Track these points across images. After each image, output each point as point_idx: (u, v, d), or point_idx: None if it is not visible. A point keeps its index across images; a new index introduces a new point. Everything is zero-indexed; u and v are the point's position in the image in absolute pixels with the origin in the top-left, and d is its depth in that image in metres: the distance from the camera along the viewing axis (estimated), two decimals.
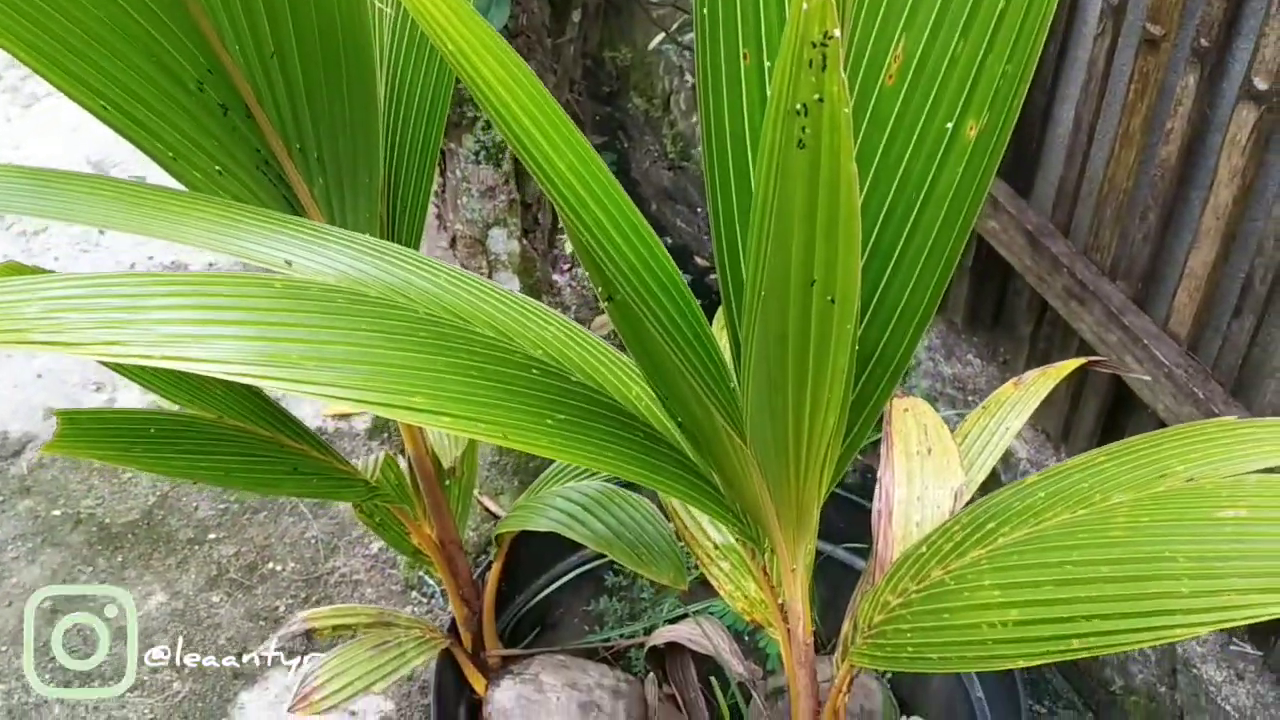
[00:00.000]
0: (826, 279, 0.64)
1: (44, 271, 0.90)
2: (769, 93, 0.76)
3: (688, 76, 2.68)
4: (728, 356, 0.80)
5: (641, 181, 2.90)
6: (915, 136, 0.73)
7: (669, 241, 2.83)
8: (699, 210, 2.77)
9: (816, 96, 0.55)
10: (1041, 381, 1.13)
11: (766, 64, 0.75)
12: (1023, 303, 1.94)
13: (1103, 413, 1.78)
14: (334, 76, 0.86)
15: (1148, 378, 1.53)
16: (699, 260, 2.73)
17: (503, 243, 1.87)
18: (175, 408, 1.04)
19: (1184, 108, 1.54)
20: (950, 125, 0.71)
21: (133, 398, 2.36)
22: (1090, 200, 1.74)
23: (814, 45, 0.53)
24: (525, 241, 1.92)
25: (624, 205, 0.69)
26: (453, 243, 1.90)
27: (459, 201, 1.83)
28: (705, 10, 0.76)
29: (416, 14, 0.61)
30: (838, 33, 0.52)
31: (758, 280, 0.67)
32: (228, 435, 0.99)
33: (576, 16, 1.81)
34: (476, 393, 0.74)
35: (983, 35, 0.69)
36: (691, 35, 2.65)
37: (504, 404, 0.74)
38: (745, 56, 0.74)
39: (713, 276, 2.75)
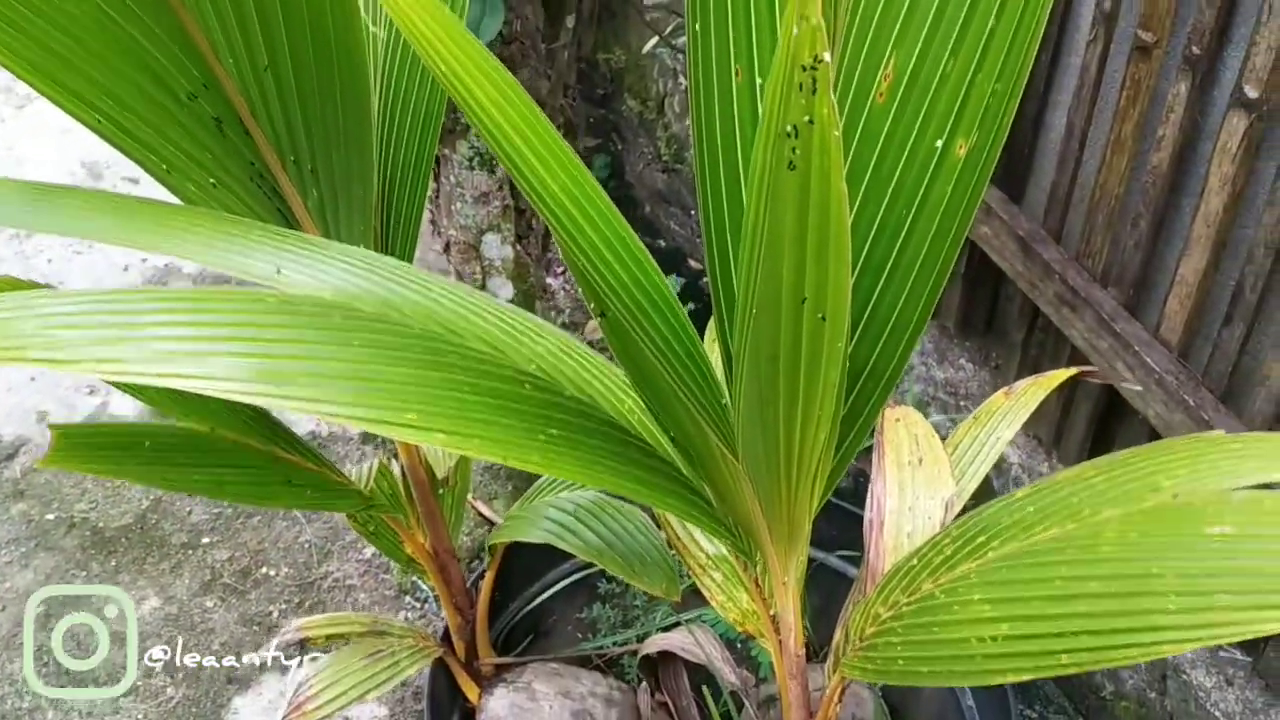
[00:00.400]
0: (817, 297, 0.64)
1: (40, 286, 0.91)
2: (760, 111, 0.77)
3: (682, 79, 2.69)
4: (719, 372, 0.80)
5: (636, 184, 2.91)
6: (906, 154, 0.73)
7: (663, 244, 2.83)
8: (693, 213, 2.77)
9: (807, 119, 0.55)
10: (1032, 392, 1.14)
11: (758, 81, 0.76)
12: (1015, 308, 1.95)
13: (1094, 419, 1.79)
14: (328, 90, 0.86)
15: (1139, 388, 1.53)
16: (693, 263, 2.74)
17: (497, 248, 1.88)
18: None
19: (1175, 115, 1.54)
20: (940, 143, 0.72)
21: (126, 402, 2.36)
22: (1082, 206, 1.75)
23: (804, 69, 0.53)
24: (519, 247, 1.93)
25: (617, 225, 0.69)
26: (446, 248, 1.90)
27: (453, 207, 1.84)
28: (698, 27, 0.76)
29: (410, 36, 0.61)
30: (827, 56, 0.52)
31: (749, 298, 0.67)
32: (221, 447, 0.99)
33: (570, 21, 1.82)
34: (470, 409, 0.74)
35: (972, 54, 0.69)
36: (685, 39, 2.65)
37: (498, 420, 0.75)
38: (737, 73, 0.75)
39: (706, 280, 2.75)
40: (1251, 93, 1.40)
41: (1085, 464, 0.87)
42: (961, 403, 2.03)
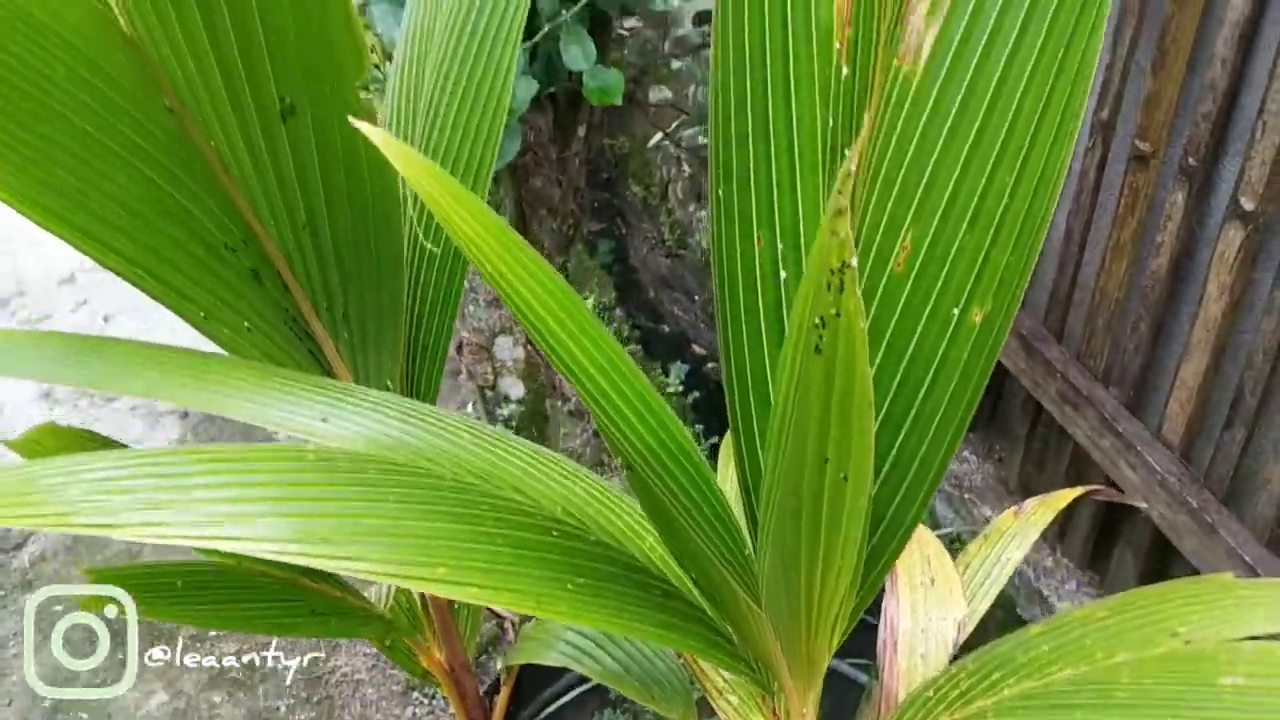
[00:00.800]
0: (839, 459, 0.66)
1: (80, 433, 0.93)
2: (779, 274, 0.80)
3: (685, 166, 2.74)
4: (742, 521, 0.82)
5: (640, 268, 2.95)
6: (924, 320, 0.76)
7: (666, 329, 2.86)
8: (696, 298, 2.81)
9: (834, 312, 0.58)
10: (1041, 513, 1.16)
11: (779, 245, 0.79)
12: (1017, 404, 1.97)
13: (1098, 516, 1.81)
14: (362, 242, 0.90)
15: (1144, 504, 1.55)
16: (696, 348, 2.77)
17: (509, 350, 1.91)
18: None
19: (1173, 223, 1.58)
20: (957, 310, 0.75)
21: None
22: (1083, 307, 1.78)
23: (833, 272, 0.56)
24: (530, 348, 1.96)
25: (646, 395, 0.72)
26: (459, 348, 1.93)
27: (466, 310, 1.87)
28: (720, 192, 0.79)
29: (453, 233, 0.64)
30: (854, 262, 0.56)
31: (777, 461, 0.70)
32: (249, 582, 1.01)
33: (583, 131, 1.87)
34: (499, 562, 0.76)
35: (986, 231, 0.72)
36: (688, 131, 2.68)
37: (529, 572, 0.77)
38: (759, 240, 0.78)
39: (711, 365, 2.78)
40: (1247, 204, 1.43)
41: (1095, 604, 0.89)
42: (965, 495, 2.05)
